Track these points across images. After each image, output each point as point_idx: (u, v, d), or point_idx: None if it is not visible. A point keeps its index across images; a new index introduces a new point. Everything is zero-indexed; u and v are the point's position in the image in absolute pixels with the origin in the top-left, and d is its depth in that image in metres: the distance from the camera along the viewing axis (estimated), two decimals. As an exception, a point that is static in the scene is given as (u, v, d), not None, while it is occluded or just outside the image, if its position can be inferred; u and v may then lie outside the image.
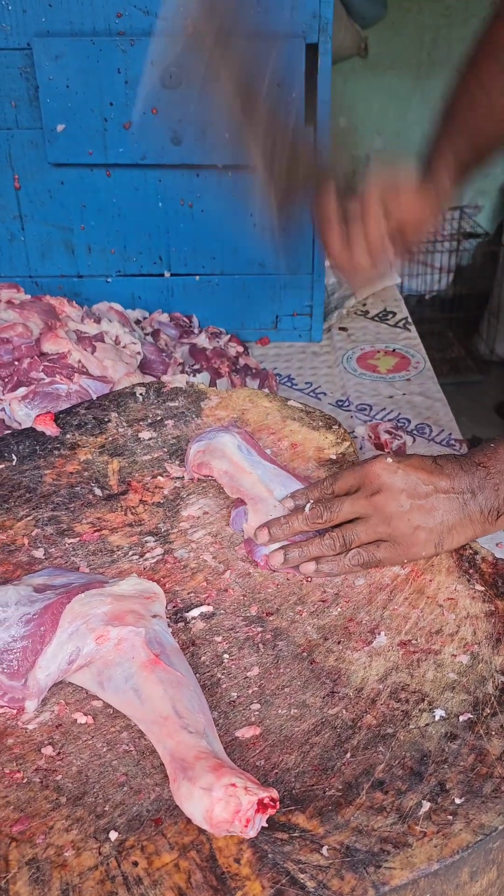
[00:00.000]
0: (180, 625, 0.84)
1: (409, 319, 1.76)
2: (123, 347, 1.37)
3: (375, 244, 1.07)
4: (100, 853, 0.63)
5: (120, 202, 1.53)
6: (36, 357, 1.27)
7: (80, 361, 1.28)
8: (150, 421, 1.14)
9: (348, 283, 1.15)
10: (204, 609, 0.86)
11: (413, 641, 0.82)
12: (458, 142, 1.13)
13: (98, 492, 1.02)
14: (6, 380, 1.25)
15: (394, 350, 1.65)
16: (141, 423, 1.14)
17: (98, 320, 1.40)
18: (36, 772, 0.69)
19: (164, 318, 1.58)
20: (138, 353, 1.37)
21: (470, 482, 0.88)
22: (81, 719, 0.74)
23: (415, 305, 3.72)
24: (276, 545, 0.91)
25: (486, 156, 1.15)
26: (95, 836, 0.64)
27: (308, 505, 0.91)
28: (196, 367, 1.45)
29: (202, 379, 1.41)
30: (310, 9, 1.38)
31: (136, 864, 0.62)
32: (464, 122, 1.15)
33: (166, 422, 1.14)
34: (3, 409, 1.23)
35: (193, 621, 0.84)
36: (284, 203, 1.05)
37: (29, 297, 1.44)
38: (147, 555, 0.93)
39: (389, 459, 0.89)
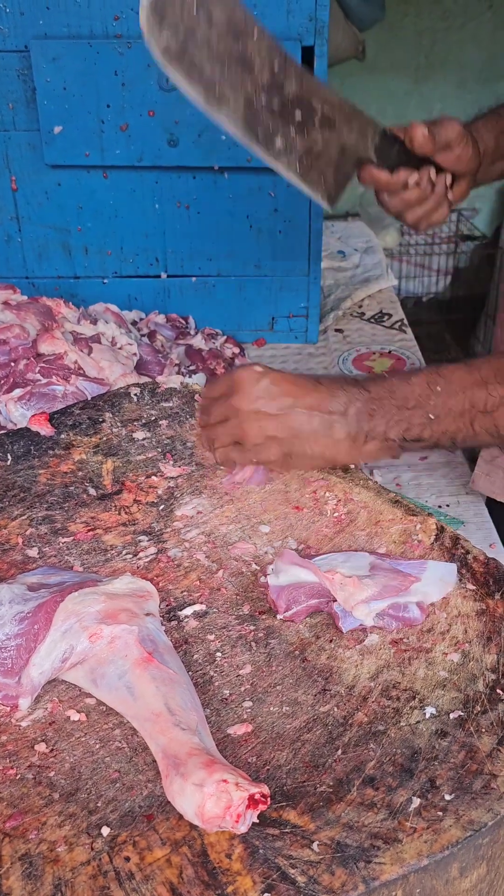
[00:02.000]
0: (173, 623, 0.85)
1: (405, 321, 1.77)
2: (119, 349, 1.38)
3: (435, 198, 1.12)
4: (92, 848, 0.63)
5: (117, 204, 1.54)
6: (32, 358, 1.27)
7: (76, 362, 1.28)
8: (144, 421, 1.15)
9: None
10: (197, 608, 0.86)
11: (405, 640, 0.82)
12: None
13: (92, 491, 1.03)
14: (2, 381, 1.25)
15: (389, 352, 1.65)
16: (135, 423, 1.15)
17: (94, 321, 1.41)
18: (29, 768, 0.70)
19: (161, 319, 1.58)
20: (134, 354, 1.38)
21: (345, 403, 0.89)
22: (74, 716, 0.74)
23: (412, 308, 3.72)
24: None
25: None
26: (88, 832, 0.64)
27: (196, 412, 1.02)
28: (192, 367, 1.45)
29: (198, 380, 1.41)
30: (306, 12, 1.39)
31: (128, 859, 0.62)
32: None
33: (160, 422, 1.15)
34: None
35: (186, 620, 0.85)
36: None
37: (26, 298, 1.44)
38: (141, 554, 0.93)
39: (258, 367, 0.92)
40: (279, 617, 0.85)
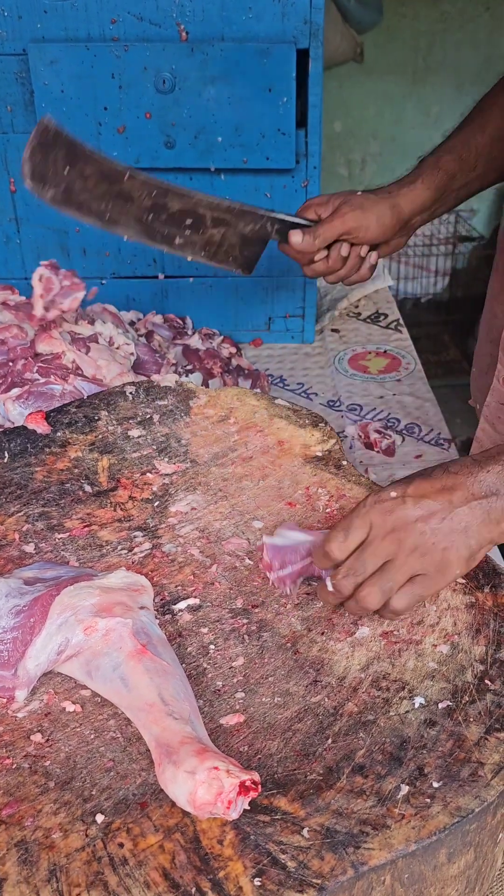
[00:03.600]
0: (167, 617, 0.86)
1: (401, 321, 1.78)
2: (117, 348, 1.39)
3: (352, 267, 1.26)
4: (87, 835, 0.64)
5: (114, 205, 1.55)
6: (30, 358, 1.28)
7: (74, 362, 1.29)
8: (139, 419, 1.16)
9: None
10: (191, 601, 0.87)
11: (395, 632, 0.83)
12: (447, 157, 1.25)
13: (88, 488, 1.04)
14: (0, 380, 1.27)
15: (385, 351, 1.67)
16: (130, 421, 1.16)
17: (92, 321, 1.42)
18: (25, 758, 0.71)
19: (158, 319, 1.60)
20: (132, 353, 1.39)
21: (492, 483, 0.81)
22: (70, 707, 0.76)
23: (410, 308, 3.74)
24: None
25: (470, 172, 1.27)
26: (82, 819, 0.66)
27: (328, 581, 0.82)
28: (189, 367, 1.47)
29: (195, 379, 1.43)
30: (301, 15, 1.40)
31: (121, 845, 0.64)
32: (457, 141, 1.27)
33: (155, 420, 1.16)
34: (-2, 409, 1.25)
35: (180, 613, 0.86)
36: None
37: (24, 298, 1.46)
38: (136, 549, 0.95)
39: (393, 493, 0.81)
40: (271, 577, 0.87)
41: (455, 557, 0.81)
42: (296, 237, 1.21)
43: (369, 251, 1.26)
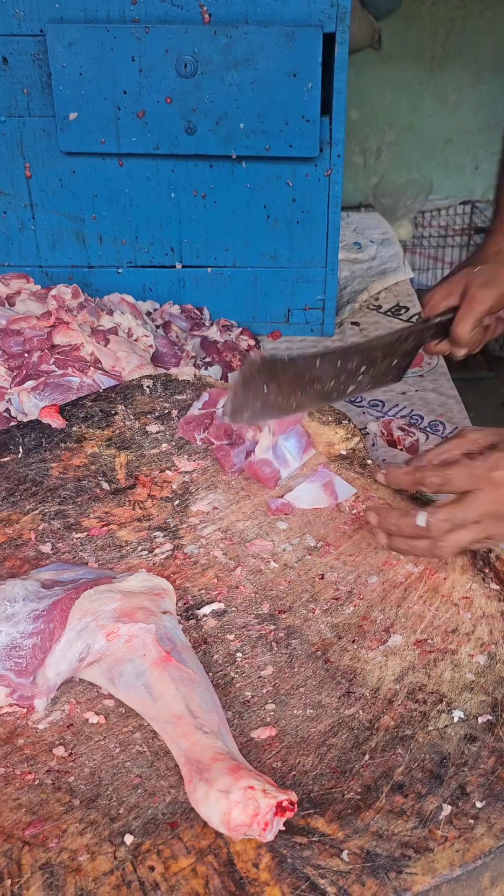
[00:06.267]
0: (192, 622, 0.82)
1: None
2: (135, 340, 1.36)
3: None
4: (115, 857, 0.61)
5: (132, 192, 1.51)
6: (46, 350, 1.25)
7: (92, 354, 1.26)
8: (157, 414, 1.13)
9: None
10: (215, 606, 0.84)
11: (429, 641, 0.80)
12: None
13: (105, 485, 1.01)
14: (15, 372, 1.23)
15: (406, 345, 1.62)
16: (148, 415, 1.12)
17: (110, 312, 1.38)
18: (48, 773, 0.67)
19: (175, 309, 1.56)
20: (151, 346, 1.35)
21: None
22: (93, 719, 0.72)
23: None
24: None
25: None
26: (110, 840, 0.62)
27: (422, 516, 0.84)
28: (207, 360, 1.43)
29: (213, 373, 1.39)
30: (327, -2, 1.36)
31: (152, 868, 0.60)
32: None
33: (174, 415, 1.12)
34: (10, 401, 1.21)
35: (205, 619, 0.83)
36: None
37: (38, 287, 1.42)
38: (156, 550, 0.91)
39: None
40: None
41: None
42: (458, 347, 1.15)
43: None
